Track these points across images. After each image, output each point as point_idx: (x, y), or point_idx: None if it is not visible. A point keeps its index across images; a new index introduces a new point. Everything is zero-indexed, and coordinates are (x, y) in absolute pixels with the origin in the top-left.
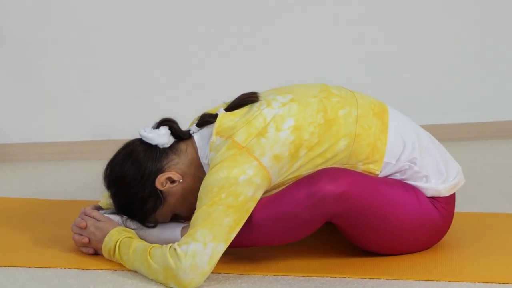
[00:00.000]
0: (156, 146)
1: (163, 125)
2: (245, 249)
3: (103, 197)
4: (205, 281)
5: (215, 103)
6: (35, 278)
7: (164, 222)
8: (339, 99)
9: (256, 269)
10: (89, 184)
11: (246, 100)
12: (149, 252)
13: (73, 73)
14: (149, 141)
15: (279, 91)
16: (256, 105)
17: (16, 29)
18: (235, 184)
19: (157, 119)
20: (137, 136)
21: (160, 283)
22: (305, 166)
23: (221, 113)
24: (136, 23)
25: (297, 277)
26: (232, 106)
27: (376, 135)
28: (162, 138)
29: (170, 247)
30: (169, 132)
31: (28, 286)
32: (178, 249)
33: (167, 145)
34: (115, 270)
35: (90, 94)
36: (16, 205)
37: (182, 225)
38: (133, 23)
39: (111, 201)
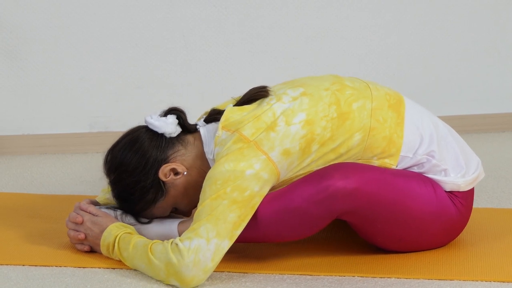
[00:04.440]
0: (162, 135)
1: (170, 114)
2: (250, 247)
3: (102, 191)
4: (207, 280)
5: (217, 94)
6: (29, 276)
7: (163, 215)
8: (353, 92)
9: (261, 268)
10: (85, 178)
11: (256, 94)
12: (150, 248)
13: (69, 61)
14: (155, 129)
15: (290, 85)
16: (266, 100)
17: (9, 16)
18: (241, 178)
19: (158, 109)
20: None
21: (161, 281)
22: (316, 162)
23: (229, 107)
24: (135, 9)
25: (304, 275)
26: (242, 102)
27: (392, 128)
28: (170, 127)
29: (172, 242)
30: (177, 121)
31: (22, 285)
32: (180, 245)
33: (174, 135)
34: (114, 268)
35: (86, 83)
36: (8, 200)
37: (178, 220)
38: (132, 10)
39: (108, 196)
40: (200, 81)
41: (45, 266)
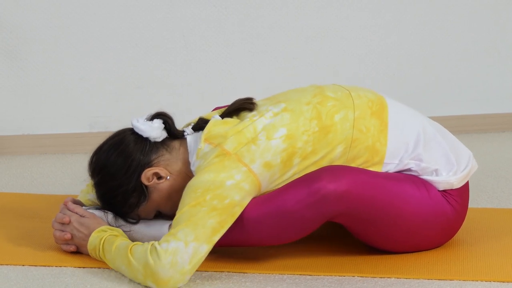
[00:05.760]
0: (147, 139)
1: (157, 118)
2: (249, 247)
3: (81, 192)
4: (208, 280)
5: (217, 94)
6: (29, 276)
7: (147, 218)
8: (334, 103)
9: (261, 268)
10: (85, 178)
11: (242, 105)
12: (130, 249)
13: (69, 61)
14: (140, 133)
15: (272, 101)
16: (248, 115)
17: (9, 16)
18: (221, 188)
19: (158, 109)
20: None
21: (140, 283)
22: (298, 174)
23: (213, 119)
24: (135, 9)
25: (304, 276)
26: (227, 113)
27: (375, 137)
28: (155, 131)
29: (152, 244)
30: (163, 126)
31: (22, 285)
32: (158, 247)
33: (159, 140)
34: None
35: (86, 83)
36: (8, 200)
37: (170, 222)
38: (132, 10)
39: (89, 197)
40: (200, 81)
41: (45, 266)
